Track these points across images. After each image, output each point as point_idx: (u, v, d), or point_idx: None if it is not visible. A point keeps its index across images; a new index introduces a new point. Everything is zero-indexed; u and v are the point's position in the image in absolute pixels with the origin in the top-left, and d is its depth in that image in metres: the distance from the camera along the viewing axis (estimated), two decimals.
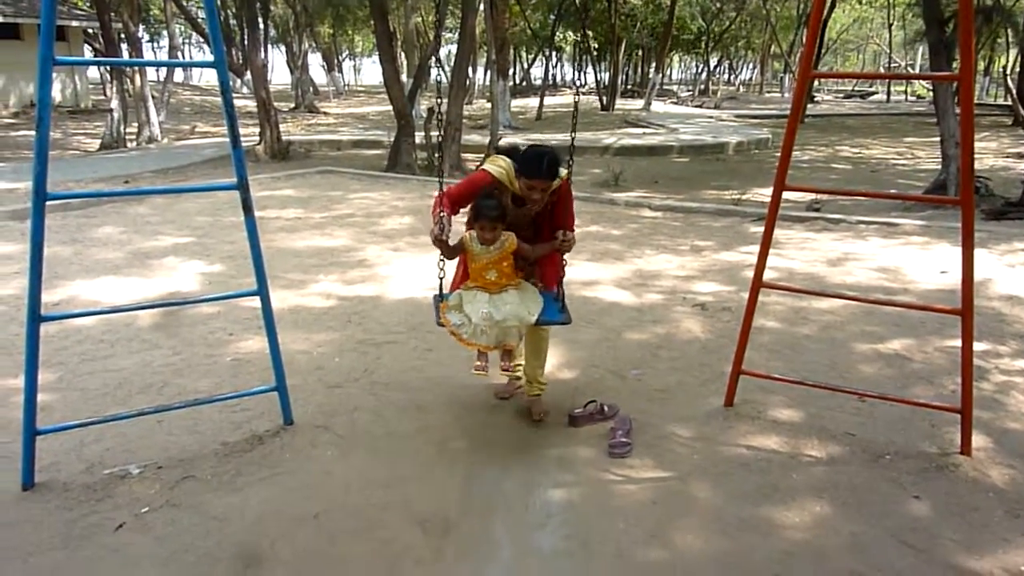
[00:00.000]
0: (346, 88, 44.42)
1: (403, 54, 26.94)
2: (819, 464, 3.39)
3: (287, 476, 3.25)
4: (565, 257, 3.56)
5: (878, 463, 3.39)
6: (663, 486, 3.22)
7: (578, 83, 3.68)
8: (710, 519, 2.98)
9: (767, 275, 3.67)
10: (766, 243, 3.55)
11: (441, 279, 3.49)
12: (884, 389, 4.04)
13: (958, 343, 3.41)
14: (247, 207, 3.14)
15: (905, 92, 42.68)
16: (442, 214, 3.22)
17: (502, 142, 13.89)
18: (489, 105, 15.74)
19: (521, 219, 3.46)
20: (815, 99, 34.08)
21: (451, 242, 3.30)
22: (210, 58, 3.10)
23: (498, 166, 3.39)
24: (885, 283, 6.13)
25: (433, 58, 15.38)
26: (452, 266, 3.58)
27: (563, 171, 3.38)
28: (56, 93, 24.16)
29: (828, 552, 2.77)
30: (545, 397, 3.80)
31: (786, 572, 2.66)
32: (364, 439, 3.58)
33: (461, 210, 3.41)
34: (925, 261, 6.75)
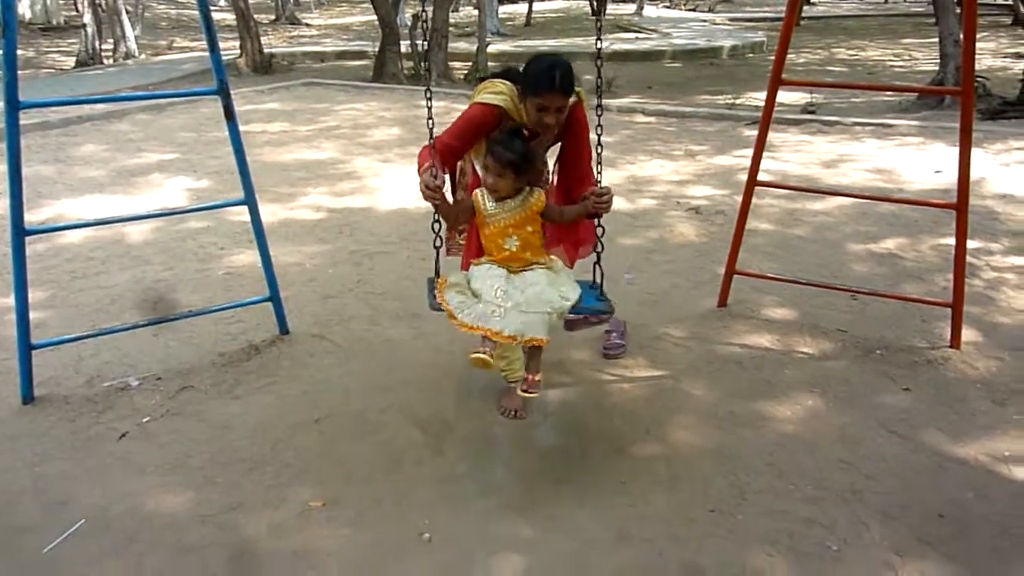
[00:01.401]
0: None
1: None
2: (811, 360, 3.44)
3: (286, 384, 3.28)
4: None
5: (869, 358, 3.44)
6: (657, 384, 3.27)
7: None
8: (704, 414, 3.04)
9: (761, 177, 3.63)
10: (761, 141, 3.49)
11: (437, 248, 2.64)
12: (876, 287, 4.06)
13: (950, 241, 3.41)
14: (229, 112, 3.06)
15: None
16: (432, 166, 2.46)
17: (506, 46, 13.21)
18: (476, 12, 15.22)
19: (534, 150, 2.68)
20: (811, 1, 33.03)
21: (453, 198, 2.73)
22: None
23: (497, 92, 2.66)
24: (880, 183, 6.09)
25: None
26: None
27: (578, 89, 2.66)
28: (25, 9, 23.21)
29: (818, 443, 2.84)
30: None
31: (777, 462, 2.73)
32: (360, 346, 3.60)
33: (459, 164, 2.77)
34: (920, 162, 6.69)
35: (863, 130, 8.02)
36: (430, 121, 2.64)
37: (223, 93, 3.04)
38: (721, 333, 3.68)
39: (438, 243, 2.63)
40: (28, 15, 23.13)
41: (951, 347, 3.49)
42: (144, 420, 3.02)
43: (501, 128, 2.65)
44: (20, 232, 2.88)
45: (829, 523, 2.43)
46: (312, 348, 3.58)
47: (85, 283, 4.34)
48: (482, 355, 2.39)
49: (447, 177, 2.62)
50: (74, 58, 15.61)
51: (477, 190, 2.63)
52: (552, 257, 2.72)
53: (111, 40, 16.02)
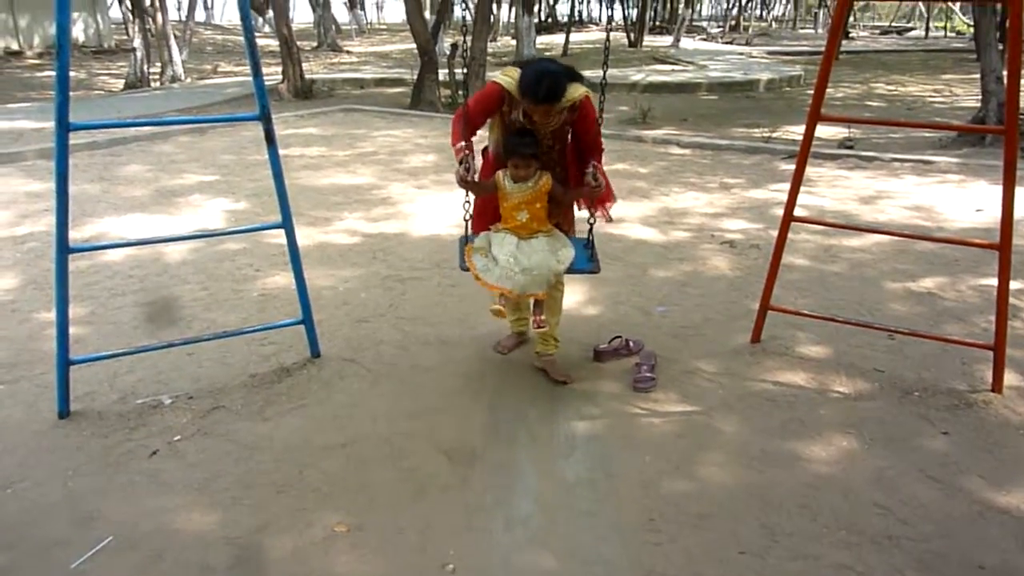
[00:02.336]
0: (369, 26, 43.69)
1: None
2: (847, 400, 3.37)
3: (315, 407, 3.30)
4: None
5: (907, 399, 3.36)
6: (688, 420, 3.22)
7: (610, 16, 3.38)
8: (735, 452, 2.98)
9: (797, 212, 3.59)
10: (798, 175, 3.46)
11: (467, 220, 3.31)
12: (915, 326, 3.98)
13: (991, 281, 3.34)
14: (270, 137, 3.11)
15: (944, 28, 40.94)
16: (464, 150, 3.04)
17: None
18: (514, 42, 15.39)
19: (541, 135, 3.15)
20: (850, 35, 32.88)
21: (479, 179, 3.19)
22: None
23: (509, 77, 3.06)
24: (919, 221, 5.99)
25: None
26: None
27: (581, 89, 3.04)
28: (79, 33, 24.03)
29: (854, 485, 2.77)
30: (570, 333, 3.79)
31: (811, 504, 2.66)
32: (390, 371, 3.61)
33: (478, 131, 3.18)
34: (960, 199, 6.57)
35: (902, 166, 7.92)
36: (465, 152, 3.07)
37: (265, 119, 3.10)
38: (754, 369, 3.63)
39: (467, 216, 3.29)
40: (82, 38, 23.94)
41: (992, 391, 3.39)
42: (175, 438, 3.05)
43: (504, 103, 3.11)
44: (64, 250, 2.95)
45: (863, 569, 2.35)
46: (342, 371, 3.60)
47: (124, 300, 4.42)
48: (499, 308, 3.20)
49: (472, 158, 3.11)
50: (123, 80, 16.09)
51: (499, 172, 3.20)
52: (551, 227, 3.27)
53: (159, 64, 16.50)
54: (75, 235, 5.37)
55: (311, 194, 6.86)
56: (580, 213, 3.54)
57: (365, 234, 5.73)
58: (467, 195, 3.25)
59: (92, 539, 2.48)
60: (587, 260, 3.30)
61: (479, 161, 3.31)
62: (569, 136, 3.25)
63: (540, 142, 3.16)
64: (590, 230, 3.35)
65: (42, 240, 5.42)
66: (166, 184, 7.22)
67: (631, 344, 3.75)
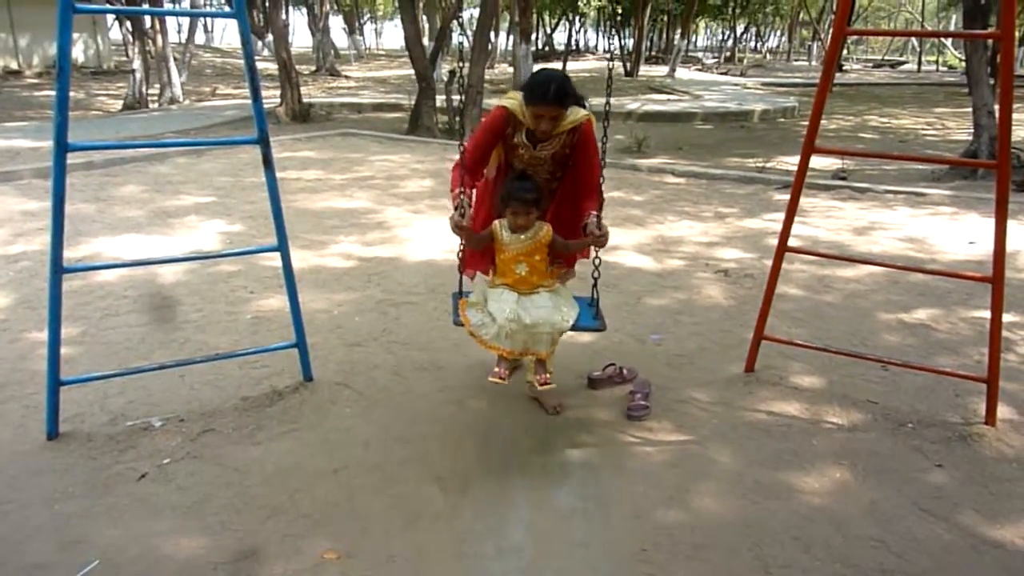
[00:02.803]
0: (367, 51, 44.12)
1: (425, 16, 26.63)
2: (840, 431, 3.36)
3: (307, 431, 3.28)
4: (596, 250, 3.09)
5: (900, 431, 3.35)
6: (681, 449, 3.21)
7: (611, 48, 3.35)
8: (728, 483, 2.97)
9: (791, 242, 3.61)
10: (792, 206, 3.49)
11: (461, 272, 3.15)
12: (908, 358, 3.99)
13: (984, 314, 3.35)
14: (267, 161, 3.12)
15: (936, 62, 41.58)
16: (462, 194, 2.94)
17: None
18: (511, 70, 15.54)
19: (538, 162, 3.11)
20: (843, 68, 33.36)
21: (474, 209, 3.11)
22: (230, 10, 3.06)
23: (510, 98, 3.05)
24: (912, 253, 6.03)
25: (455, 20, 15.18)
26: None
27: (583, 112, 3.03)
28: (79, 54, 24.18)
29: (847, 518, 2.75)
30: (563, 359, 3.77)
31: (804, 536, 2.65)
32: (383, 397, 3.59)
33: (483, 171, 3.15)
34: (953, 232, 6.63)
35: (895, 198, 7.99)
36: (461, 192, 2.98)
37: (263, 143, 3.11)
38: (747, 399, 3.62)
39: (460, 268, 3.12)
40: (81, 59, 24.09)
41: (986, 423, 3.39)
42: (164, 461, 3.02)
43: (508, 127, 3.05)
44: (59, 270, 2.94)
45: None
46: (335, 396, 3.58)
47: (116, 321, 4.40)
48: (500, 378, 2.92)
49: (470, 202, 3.03)
50: (121, 101, 16.16)
51: (496, 221, 3.04)
52: (553, 281, 3.11)
53: (158, 85, 16.58)
54: (70, 254, 5.36)
55: (307, 217, 6.87)
56: None
57: (360, 258, 5.73)
58: (461, 243, 3.07)
59: (78, 563, 2.44)
60: (592, 317, 3.12)
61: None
62: (568, 164, 3.17)
63: (541, 168, 3.10)
64: (594, 286, 3.14)
65: (35, 259, 5.40)
66: (162, 205, 7.23)
67: (625, 372, 3.75)
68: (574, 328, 3.00)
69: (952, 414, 3.50)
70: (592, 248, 3.11)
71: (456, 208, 2.94)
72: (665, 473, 3.02)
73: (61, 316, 3.03)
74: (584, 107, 3.06)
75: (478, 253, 3.21)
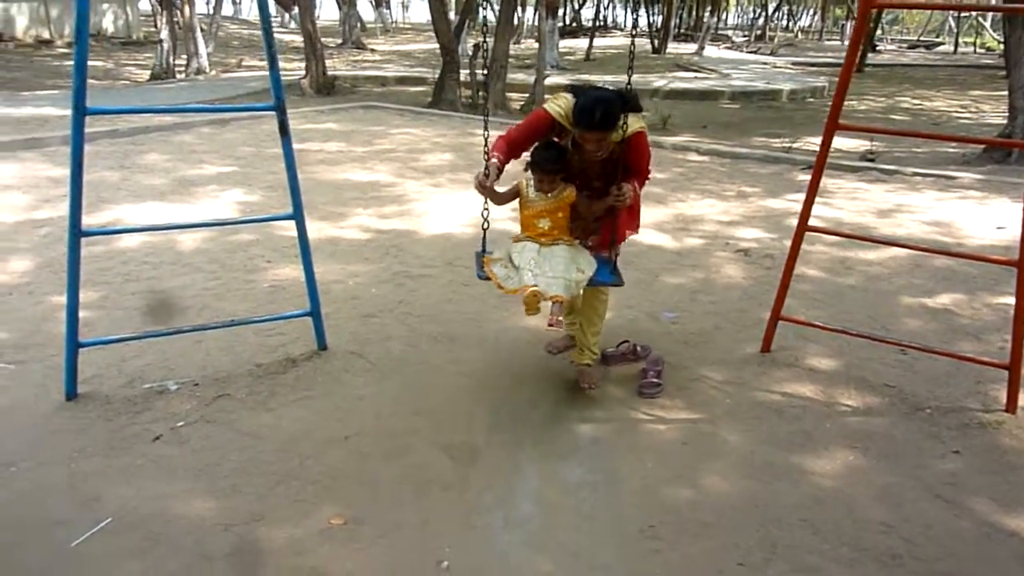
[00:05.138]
0: (394, 25, 43.87)
1: None
2: (855, 414, 3.32)
3: (319, 399, 3.30)
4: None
5: (917, 416, 3.31)
6: (693, 428, 3.19)
7: (635, 22, 3.29)
8: (739, 462, 2.95)
9: (814, 223, 3.55)
10: (814, 184, 3.42)
11: (485, 229, 3.23)
12: (928, 342, 3.92)
13: (1009, 300, 3.28)
14: (283, 128, 3.12)
15: (974, 44, 40.52)
16: (493, 160, 2.97)
17: (563, 79, 13.62)
18: (536, 45, 15.37)
19: (588, 165, 3.10)
20: (877, 48, 32.61)
21: (504, 188, 3.13)
22: None
23: (558, 105, 3.02)
24: (937, 236, 5.91)
25: None
26: (497, 212, 3.39)
27: (637, 124, 2.98)
28: (108, 23, 24.34)
29: (858, 501, 2.73)
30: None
31: (813, 518, 2.63)
32: (396, 367, 3.60)
33: (523, 154, 3.14)
34: (982, 216, 6.48)
35: (923, 181, 7.83)
36: (486, 148, 3.05)
37: (279, 110, 3.11)
38: (762, 380, 3.59)
39: (485, 225, 3.21)
40: (111, 29, 24.25)
41: (1006, 411, 3.33)
42: (179, 424, 3.06)
43: (554, 131, 3.08)
44: (77, 233, 2.97)
45: None
46: (348, 365, 3.60)
47: (137, 286, 4.45)
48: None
49: (498, 169, 3.01)
50: (149, 71, 16.25)
51: (523, 179, 3.16)
52: (573, 239, 3.18)
53: (185, 56, 16.65)
54: (92, 221, 5.43)
55: (326, 189, 6.88)
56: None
57: (378, 230, 5.74)
58: (485, 203, 3.17)
59: (93, 520, 2.49)
60: (609, 273, 3.17)
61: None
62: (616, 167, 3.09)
63: (590, 169, 3.10)
64: (613, 243, 3.20)
65: (60, 225, 5.46)
66: (184, 174, 7.27)
67: (639, 349, 3.73)
68: (591, 283, 3.09)
69: (971, 400, 3.45)
70: (612, 229, 3.15)
71: (485, 168, 2.98)
72: (675, 451, 3.01)
73: (79, 279, 3.06)
74: (640, 111, 2.99)
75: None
